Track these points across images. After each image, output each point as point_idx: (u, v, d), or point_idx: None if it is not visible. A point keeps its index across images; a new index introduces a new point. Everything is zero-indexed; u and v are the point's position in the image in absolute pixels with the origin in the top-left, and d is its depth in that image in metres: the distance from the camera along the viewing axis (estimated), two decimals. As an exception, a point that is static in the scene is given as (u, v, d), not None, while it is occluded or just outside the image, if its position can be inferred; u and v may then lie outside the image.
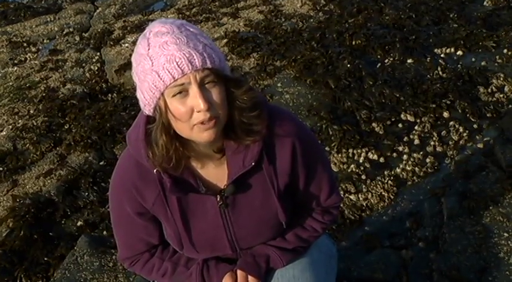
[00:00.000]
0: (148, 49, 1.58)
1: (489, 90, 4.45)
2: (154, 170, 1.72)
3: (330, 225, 2.09)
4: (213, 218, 1.85)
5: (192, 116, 1.59)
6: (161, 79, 1.55)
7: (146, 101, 1.63)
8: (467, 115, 4.21)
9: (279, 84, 4.95)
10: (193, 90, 1.56)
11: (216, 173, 1.82)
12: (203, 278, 1.93)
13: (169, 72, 1.54)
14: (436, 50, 5.20)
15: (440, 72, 4.78)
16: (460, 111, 4.26)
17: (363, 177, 3.81)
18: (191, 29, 1.61)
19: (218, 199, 1.82)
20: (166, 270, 1.98)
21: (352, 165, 3.91)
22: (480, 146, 3.86)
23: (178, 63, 1.53)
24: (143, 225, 1.92)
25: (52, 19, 8.59)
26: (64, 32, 7.92)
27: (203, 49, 1.56)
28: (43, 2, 9.61)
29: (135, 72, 1.64)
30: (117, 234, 2.02)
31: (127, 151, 1.84)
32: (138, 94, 1.66)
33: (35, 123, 5.23)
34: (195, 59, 1.54)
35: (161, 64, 1.54)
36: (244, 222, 1.86)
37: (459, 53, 5.09)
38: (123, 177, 1.86)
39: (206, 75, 1.57)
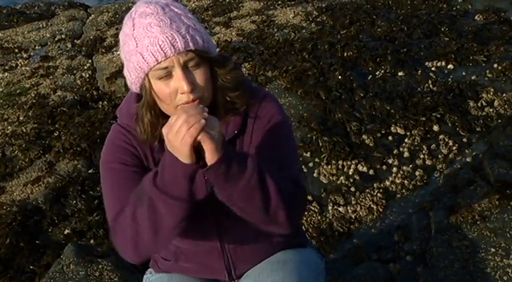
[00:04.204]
0: (133, 29, 1.61)
1: (479, 104, 4.47)
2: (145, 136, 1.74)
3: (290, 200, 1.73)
4: None
5: (176, 97, 1.63)
6: (145, 61, 1.59)
7: (132, 80, 1.68)
8: (457, 129, 4.22)
9: (270, 95, 4.94)
10: (177, 73, 1.60)
11: None
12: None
13: (152, 54, 1.58)
14: (427, 63, 5.21)
15: (431, 86, 4.80)
16: (450, 124, 4.27)
17: (352, 189, 3.81)
18: (175, 10, 1.63)
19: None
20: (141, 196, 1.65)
21: (342, 177, 3.91)
22: (469, 160, 3.87)
23: (161, 46, 1.57)
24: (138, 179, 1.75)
25: (44, 25, 8.57)
26: (56, 39, 7.90)
27: (186, 31, 1.59)
28: (36, 8, 9.60)
29: (122, 51, 1.69)
30: (108, 190, 1.82)
31: (115, 126, 1.85)
32: (125, 73, 1.71)
33: (24, 130, 5.21)
34: (177, 42, 1.57)
35: (145, 46, 1.58)
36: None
37: (450, 66, 5.11)
38: (117, 140, 1.82)
39: (190, 58, 1.61)
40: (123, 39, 1.67)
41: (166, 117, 1.69)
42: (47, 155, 4.79)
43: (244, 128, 1.82)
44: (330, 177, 3.96)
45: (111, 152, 1.83)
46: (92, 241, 3.69)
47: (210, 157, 1.53)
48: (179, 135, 1.48)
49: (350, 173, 3.95)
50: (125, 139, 1.80)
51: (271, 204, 1.65)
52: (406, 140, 4.19)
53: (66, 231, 3.83)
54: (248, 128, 1.82)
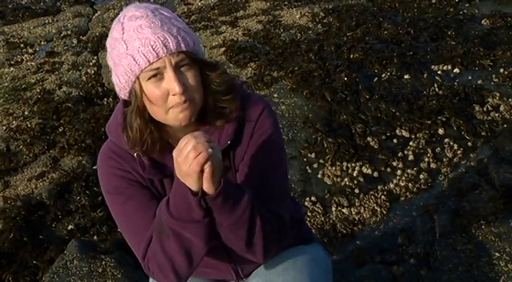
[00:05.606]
0: (123, 33, 1.61)
1: (484, 108, 4.47)
2: (135, 154, 1.72)
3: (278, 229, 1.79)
4: None
5: (167, 100, 1.62)
6: (136, 63, 1.58)
7: (122, 85, 1.66)
8: (462, 133, 4.22)
9: (275, 95, 4.95)
10: (169, 73, 1.59)
11: None
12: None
13: (144, 55, 1.57)
14: (433, 67, 5.21)
15: (436, 89, 4.79)
16: (455, 128, 4.26)
17: (356, 191, 3.81)
18: (165, 13, 1.64)
19: None
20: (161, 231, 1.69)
21: (346, 179, 3.91)
22: (474, 164, 3.86)
23: (153, 47, 1.56)
24: (147, 198, 1.78)
25: (50, 21, 8.59)
26: (62, 35, 7.92)
27: (177, 32, 1.60)
28: (42, 4, 9.62)
29: (110, 57, 1.67)
30: (122, 224, 1.84)
31: (106, 145, 1.83)
32: (114, 78, 1.69)
33: (29, 125, 5.21)
34: (169, 43, 1.57)
35: (136, 48, 1.57)
36: None
37: (456, 70, 5.11)
38: (110, 168, 1.80)
39: (181, 59, 1.60)
40: (111, 44, 1.65)
41: (155, 123, 1.69)
42: (51, 151, 4.79)
43: (238, 139, 1.78)
44: (334, 179, 3.95)
45: (109, 182, 1.81)
46: (95, 237, 3.69)
47: (207, 187, 1.54)
48: (187, 161, 1.49)
49: (354, 175, 3.95)
50: (117, 166, 1.78)
51: (253, 238, 1.69)
52: (411, 142, 4.19)
53: (69, 227, 3.83)
54: (243, 143, 1.79)
